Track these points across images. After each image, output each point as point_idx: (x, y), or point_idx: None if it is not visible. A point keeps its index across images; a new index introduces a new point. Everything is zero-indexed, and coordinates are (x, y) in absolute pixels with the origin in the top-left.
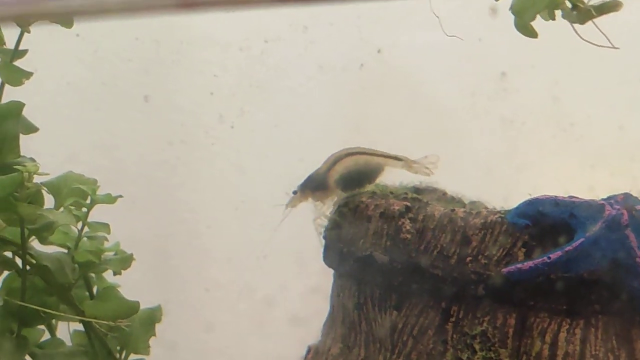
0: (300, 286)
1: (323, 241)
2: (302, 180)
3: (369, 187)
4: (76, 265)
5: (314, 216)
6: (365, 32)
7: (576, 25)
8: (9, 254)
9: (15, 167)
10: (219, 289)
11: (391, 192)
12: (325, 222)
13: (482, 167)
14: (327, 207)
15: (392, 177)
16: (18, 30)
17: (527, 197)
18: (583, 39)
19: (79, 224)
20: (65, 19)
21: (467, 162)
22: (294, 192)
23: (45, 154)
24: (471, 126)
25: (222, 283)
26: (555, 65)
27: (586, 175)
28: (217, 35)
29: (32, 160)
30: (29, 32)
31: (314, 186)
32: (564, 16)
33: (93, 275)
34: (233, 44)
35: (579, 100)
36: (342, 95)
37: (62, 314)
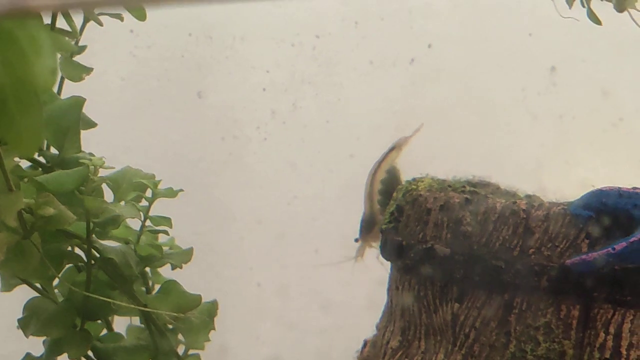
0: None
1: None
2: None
3: (426, 180)
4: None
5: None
6: (416, 27)
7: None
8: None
9: (80, 160)
10: (271, 284)
11: (449, 186)
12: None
13: (532, 162)
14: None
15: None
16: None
17: (577, 191)
18: None
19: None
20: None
21: (518, 157)
22: (356, 240)
23: (100, 150)
24: (521, 121)
25: (273, 279)
26: (605, 59)
27: (635, 169)
28: (269, 31)
29: (92, 155)
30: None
31: (368, 228)
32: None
33: (148, 270)
34: (285, 39)
35: (628, 94)
36: (393, 90)
37: (131, 306)
